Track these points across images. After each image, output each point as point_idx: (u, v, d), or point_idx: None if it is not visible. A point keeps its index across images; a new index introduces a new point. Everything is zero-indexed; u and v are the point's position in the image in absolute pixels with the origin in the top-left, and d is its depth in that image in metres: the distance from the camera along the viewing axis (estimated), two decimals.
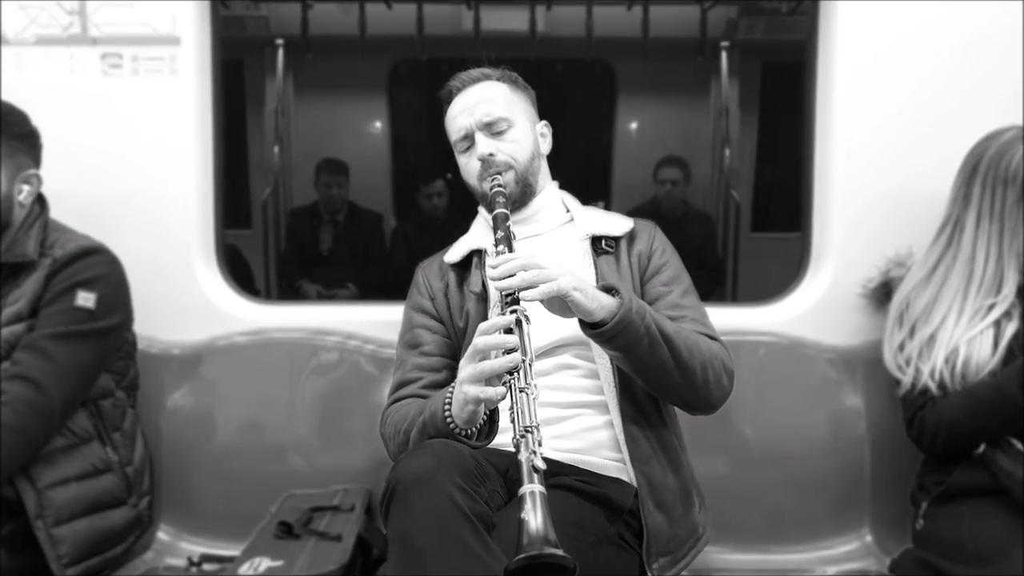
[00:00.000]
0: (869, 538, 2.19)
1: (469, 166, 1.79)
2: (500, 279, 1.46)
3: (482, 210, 1.90)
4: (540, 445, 1.28)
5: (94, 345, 1.86)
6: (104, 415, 1.94)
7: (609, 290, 1.53)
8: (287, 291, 4.49)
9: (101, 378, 1.93)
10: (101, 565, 1.88)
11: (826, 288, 2.26)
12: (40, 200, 1.96)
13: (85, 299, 1.83)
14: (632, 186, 4.91)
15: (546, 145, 1.87)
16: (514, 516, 1.38)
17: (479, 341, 1.41)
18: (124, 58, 2.25)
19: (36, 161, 1.93)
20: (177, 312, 2.31)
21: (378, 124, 5.20)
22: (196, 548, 2.20)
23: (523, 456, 1.26)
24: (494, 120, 1.76)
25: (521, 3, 4.15)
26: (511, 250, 1.56)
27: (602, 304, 1.48)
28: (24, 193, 1.89)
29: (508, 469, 1.56)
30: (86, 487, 1.86)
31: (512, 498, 1.52)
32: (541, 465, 1.24)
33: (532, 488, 1.21)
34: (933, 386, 1.84)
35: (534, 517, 1.17)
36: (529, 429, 1.29)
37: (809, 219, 2.32)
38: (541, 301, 1.46)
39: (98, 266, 1.89)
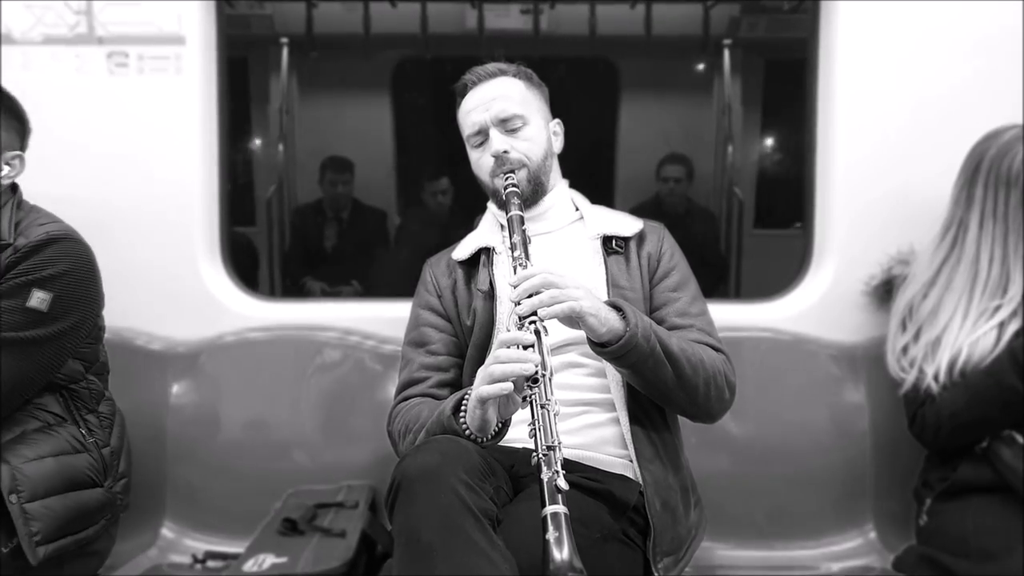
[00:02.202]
0: (873, 534, 2.19)
1: (481, 162, 1.79)
2: (520, 298, 1.46)
3: (491, 206, 1.90)
4: (562, 465, 1.27)
5: (41, 349, 1.77)
6: (77, 398, 1.91)
7: (617, 307, 1.54)
8: (291, 288, 4.50)
9: (68, 365, 1.87)
10: (72, 546, 1.82)
11: (828, 285, 2.27)
12: (12, 186, 1.89)
13: (40, 300, 1.73)
14: (635, 183, 4.91)
15: (558, 143, 1.87)
16: (519, 512, 1.39)
17: (501, 354, 1.41)
18: (130, 57, 2.26)
19: (23, 147, 1.89)
20: (182, 309, 2.32)
21: (382, 122, 5.21)
22: (200, 545, 2.21)
23: (546, 476, 1.25)
24: (509, 117, 1.75)
25: (525, 2, 4.15)
26: (527, 255, 1.57)
27: (611, 328, 1.50)
28: (5, 171, 1.84)
29: (513, 465, 1.57)
30: (63, 463, 1.82)
31: (518, 493, 1.53)
32: (564, 486, 1.24)
33: (556, 509, 1.21)
34: (936, 387, 1.84)
35: (559, 542, 1.17)
36: (552, 447, 1.29)
37: (811, 216, 2.32)
38: None
39: (59, 261, 1.77)
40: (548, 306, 1.44)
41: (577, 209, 1.88)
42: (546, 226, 1.83)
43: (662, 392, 1.60)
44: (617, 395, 1.67)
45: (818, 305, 2.27)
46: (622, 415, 1.66)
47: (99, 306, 1.92)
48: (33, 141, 1.90)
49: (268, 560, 1.83)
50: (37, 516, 1.74)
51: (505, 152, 1.73)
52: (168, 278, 2.30)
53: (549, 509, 1.21)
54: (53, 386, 1.87)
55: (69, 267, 1.78)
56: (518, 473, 1.57)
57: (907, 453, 2.03)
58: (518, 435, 1.54)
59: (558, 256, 1.75)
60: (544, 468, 1.26)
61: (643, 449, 1.64)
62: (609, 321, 1.50)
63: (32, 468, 1.76)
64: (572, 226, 1.85)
